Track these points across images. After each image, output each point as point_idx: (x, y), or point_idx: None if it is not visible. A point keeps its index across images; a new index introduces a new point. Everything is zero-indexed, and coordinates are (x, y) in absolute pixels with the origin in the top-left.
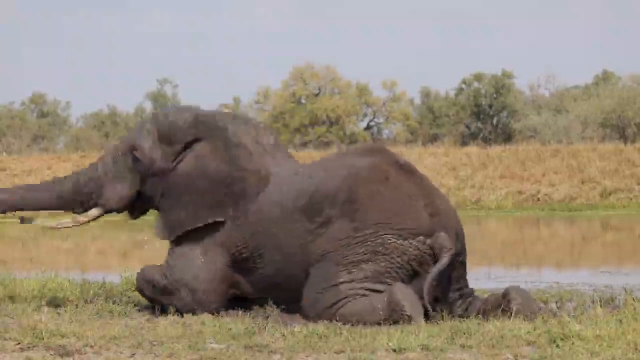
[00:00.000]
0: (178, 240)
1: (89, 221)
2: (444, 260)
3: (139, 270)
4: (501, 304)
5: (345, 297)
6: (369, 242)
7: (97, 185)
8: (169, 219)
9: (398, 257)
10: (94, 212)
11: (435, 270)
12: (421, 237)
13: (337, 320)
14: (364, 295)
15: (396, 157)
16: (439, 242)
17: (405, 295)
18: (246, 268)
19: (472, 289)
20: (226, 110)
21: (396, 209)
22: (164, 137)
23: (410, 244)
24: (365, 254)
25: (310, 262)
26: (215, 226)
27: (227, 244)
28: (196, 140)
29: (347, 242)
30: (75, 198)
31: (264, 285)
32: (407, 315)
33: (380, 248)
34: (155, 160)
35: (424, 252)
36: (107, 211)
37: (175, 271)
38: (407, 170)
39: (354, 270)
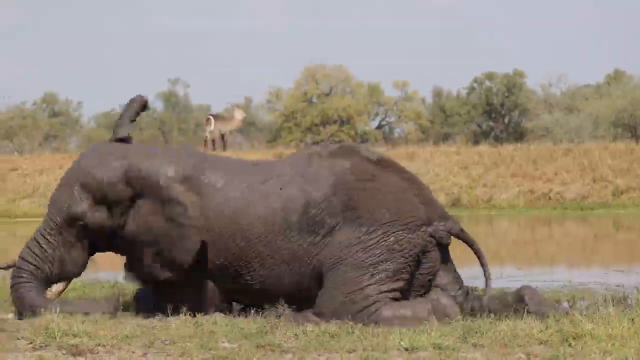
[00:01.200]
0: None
1: (58, 295)
2: (470, 238)
3: (134, 295)
4: (514, 303)
5: (376, 302)
6: (383, 243)
7: (54, 264)
8: (134, 271)
9: (410, 250)
10: (59, 286)
11: (482, 257)
12: (424, 227)
13: (376, 324)
14: (393, 297)
15: (366, 153)
16: (442, 229)
17: (443, 294)
18: (239, 285)
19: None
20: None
21: (396, 204)
22: (100, 200)
23: (418, 235)
24: (382, 255)
25: (319, 271)
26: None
27: (212, 269)
28: (134, 196)
29: (362, 246)
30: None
31: (261, 297)
32: (449, 313)
33: (395, 246)
34: (102, 224)
35: (427, 241)
36: (71, 280)
37: (170, 305)
38: (385, 165)
39: (375, 272)
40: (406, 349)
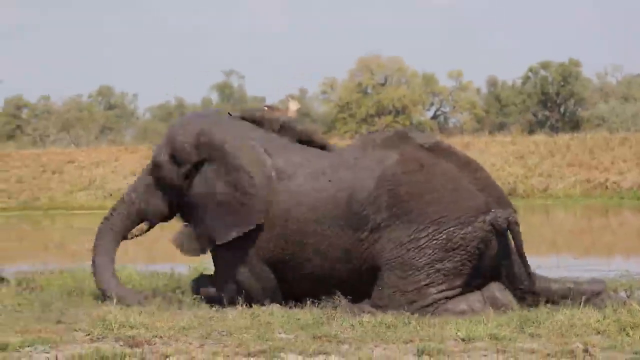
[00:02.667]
0: (218, 251)
1: (139, 235)
2: (519, 236)
3: (192, 281)
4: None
5: (435, 302)
6: (434, 241)
7: (140, 204)
8: (194, 235)
9: (467, 246)
10: (142, 226)
11: (519, 248)
12: (481, 217)
13: None
14: (453, 295)
15: (420, 140)
16: (500, 217)
17: (497, 287)
18: (288, 272)
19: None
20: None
21: (446, 196)
22: (174, 157)
23: (474, 228)
24: (435, 254)
25: (373, 266)
26: (250, 236)
27: (265, 253)
28: (201, 161)
29: (414, 245)
30: (130, 224)
31: (309, 287)
32: (506, 305)
33: (448, 244)
34: (172, 178)
35: (487, 231)
36: (153, 225)
37: (227, 284)
38: (438, 150)
39: (432, 271)
40: (463, 339)
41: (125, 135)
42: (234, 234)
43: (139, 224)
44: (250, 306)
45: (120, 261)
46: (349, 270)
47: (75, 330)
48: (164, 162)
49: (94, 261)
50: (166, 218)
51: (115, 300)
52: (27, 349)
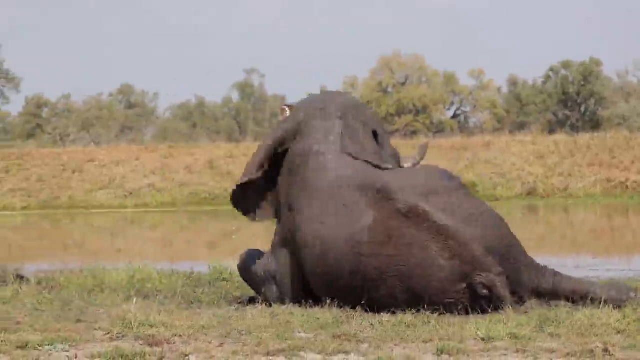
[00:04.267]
0: (275, 232)
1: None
2: (503, 298)
3: (242, 252)
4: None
5: None
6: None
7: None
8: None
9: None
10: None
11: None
12: (455, 287)
13: None
14: None
15: (400, 201)
16: (477, 280)
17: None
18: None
19: (551, 271)
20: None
21: (413, 270)
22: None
23: (447, 302)
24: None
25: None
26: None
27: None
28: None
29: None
30: None
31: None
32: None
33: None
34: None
35: (467, 300)
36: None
37: (269, 263)
38: (412, 216)
39: None
40: (482, 339)
41: (145, 134)
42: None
43: None
44: (270, 305)
45: (141, 260)
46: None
47: (95, 329)
48: (276, 137)
49: None
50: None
51: None
52: (47, 347)
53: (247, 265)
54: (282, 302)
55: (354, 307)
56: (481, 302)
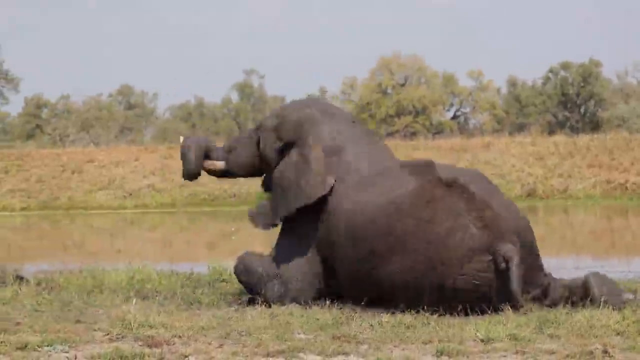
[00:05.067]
0: (282, 233)
1: (213, 170)
2: (514, 273)
3: (240, 254)
4: (585, 292)
5: None
6: (428, 278)
7: (230, 147)
8: (271, 209)
9: (461, 290)
10: (219, 163)
11: (513, 286)
12: (477, 257)
13: None
14: None
15: (442, 171)
16: (501, 254)
17: None
18: (333, 268)
19: (549, 276)
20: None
21: (443, 234)
22: (276, 130)
23: (468, 271)
24: (432, 291)
25: (383, 289)
26: (311, 224)
27: (319, 243)
28: (290, 143)
29: (412, 280)
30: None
31: (348, 287)
32: None
33: (443, 283)
34: (267, 147)
35: (483, 274)
36: (229, 171)
37: (273, 262)
38: (453, 186)
39: None
40: (482, 340)
41: (145, 134)
42: (282, 213)
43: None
44: (270, 306)
45: (140, 260)
46: (364, 283)
47: (95, 330)
48: (268, 128)
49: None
50: (239, 174)
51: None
52: (46, 348)
53: (247, 265)
54: (283, 300)
55: (358, 302)
56: (496, 281)
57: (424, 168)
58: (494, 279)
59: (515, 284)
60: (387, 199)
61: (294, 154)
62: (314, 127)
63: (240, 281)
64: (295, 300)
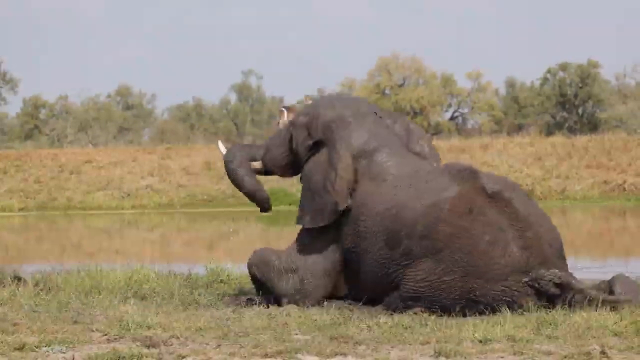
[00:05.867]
0: (304, 229)
1: (258, 170)
2: (586, 291)
3: (255, 250)
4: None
5: None
6: (457, 289)
7: (266, 146)
8: (299, 207)
9: (488, 303)
10: (255, 163)
11: (592, 295)
12: (514, 277)
13: None
14: None
15: (487, 181)
16: (543, 277)
17: None
18: (348, 270)
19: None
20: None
21: (482, 247)
22: (308, 127)
23: (502, 287)
24: (457, 300)
25: (397, 287)
26: (333, 225)
27: (339, 244)
28: (321, 141)
29: (438, 286)
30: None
31: (358, 291)
32: None
33: (471, 295)
34: (299, 144)
35: (520, 292)
36: (265, 169)
37: (291, 257)
38: (497, 198)
39: None
40: (480, 341)
41: (143, 135)
42: (306, 223)
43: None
44: (267, 307)
45: (138, 261)
46: (382, 284)
47: (92, 331)
48: (299, 125)
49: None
50: (275, 171)
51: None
52: (44, 349)
53: (263, 257)
54: (296, 295)
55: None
56: (539, 299)
57: (467, 174)
58: (529, 299)
59: (593, 293)
60: (427, 203)
61: (323, 154)
62: (343, 130)
63: (251, 275)
64: (310, 295)
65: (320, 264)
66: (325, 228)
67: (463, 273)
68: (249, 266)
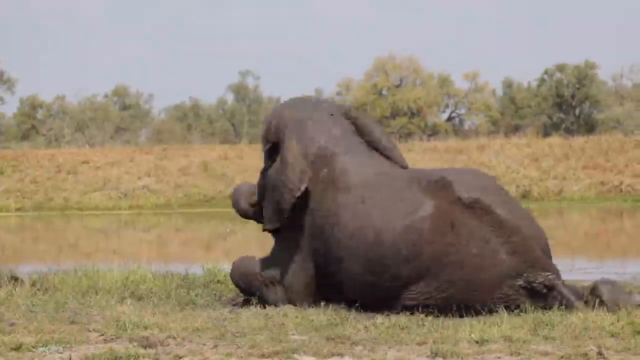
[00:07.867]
0: (279, 237)
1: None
2: (566, 295)
3: (235, 260)
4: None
5: None
6: (456, 303)
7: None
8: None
9: (490, 310)
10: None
11: (573, 304)
12: (508, 282)
13: None
14: None
15: (461, 192)
16: (533, 280)
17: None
18: (329, 275)
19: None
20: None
21: (472, 260)
22: (266, 134)
23: (497, 296)
24: (457, 312)
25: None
26: (306, 231)
27: (318, 253)
28: (276, 144)
29: (435, 304)
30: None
31: (345, 298)
32: None
33: (471, 307)
34: (264, 155)
35: (516, 295)
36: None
37: (275, 266)
38: (475, 208)
39: None
40: (476, 342)
41: (140, 135)
42: (268, 225)
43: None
44: (264, 307)
45: (134, 261)
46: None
47: (89, 331)
48: (261, 137)
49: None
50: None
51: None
52: (41, 349)
53: (245, 271)
54: (290, 302)
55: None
56: (532, 300)
57: (440, 186)
58: (526, 300)
59: (572, 300)
60: (405, 223)
61: (279, 156)
62: (296, 129)
63: (237, 286)
64: (300, 300)
65: (303, 272)
66: (292, 240)
67: (458, 288)
68: (232, 278)
